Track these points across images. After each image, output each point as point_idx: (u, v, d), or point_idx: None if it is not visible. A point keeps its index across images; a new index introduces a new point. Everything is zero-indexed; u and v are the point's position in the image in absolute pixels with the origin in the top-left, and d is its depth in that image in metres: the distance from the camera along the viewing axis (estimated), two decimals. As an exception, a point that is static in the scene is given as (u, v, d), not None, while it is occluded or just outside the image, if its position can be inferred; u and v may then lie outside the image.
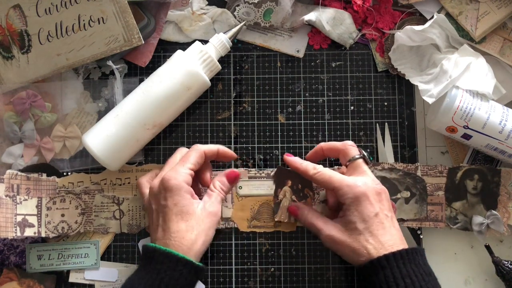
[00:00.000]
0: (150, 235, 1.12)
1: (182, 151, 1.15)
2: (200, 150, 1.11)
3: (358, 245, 1.02)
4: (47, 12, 1.15)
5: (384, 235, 1.02)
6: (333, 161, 1.21)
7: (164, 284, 0.98)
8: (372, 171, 1.16)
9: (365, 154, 1.11)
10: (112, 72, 1.20)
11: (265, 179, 1.20)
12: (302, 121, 1.22)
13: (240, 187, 1.19)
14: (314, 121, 1.22)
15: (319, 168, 1.10)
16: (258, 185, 1.20)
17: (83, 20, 1.15)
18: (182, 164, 1.08)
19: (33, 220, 1.14)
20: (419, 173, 1.18)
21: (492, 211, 1.17)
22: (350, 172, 1.10)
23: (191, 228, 1.04)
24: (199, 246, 1.04)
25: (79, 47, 1.16)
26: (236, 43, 1.24)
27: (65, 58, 1.16)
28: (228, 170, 1.15)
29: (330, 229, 1.06)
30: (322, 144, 1.17)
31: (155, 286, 0.98)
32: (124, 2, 1.13)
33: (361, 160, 1.10)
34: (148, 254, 1.02)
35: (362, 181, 1.05)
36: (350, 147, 1.11)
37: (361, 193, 1.03)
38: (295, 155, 1.20)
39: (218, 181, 1.13)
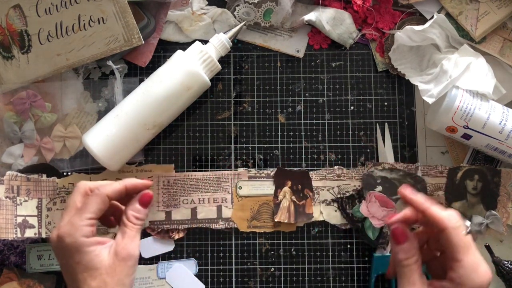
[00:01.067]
0: None
1: (80, 189, 0.98)
2: (101, 194, 0.96)
3: None
4: (47, 12, 1.15)
5: None
6: (333, 161, 1.21)
7: None
8: (372, 171, 1.17)
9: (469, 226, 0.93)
10: (112, 72, 1.20)
11: (265, 179, 1.20)
12: (302, 121, 1.22)
13: (240, 187, 1.20)
14: (314, 121, 1.22)
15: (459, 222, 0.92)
16: (258, 185, 1.20)
17: (83, 20, 1.15)
18: (79, 214, 0.94)
19: (33, 221, 1.14)
20: (419, 173, 1.18)
21: (492, 211, 1.17)
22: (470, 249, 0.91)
23: (104, 284, 0.92)
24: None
25: (79, 47, 1.16)
26: (236, 43, 1.24)
27: (65, 58, 1.16)
28: (139, 194, 1.01)
29: None
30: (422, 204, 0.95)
31: None
32: (124, 2, 1.13)
33: (470, 237, 0.91)
34: None
35: (485, 267, 0.90)
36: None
37: (484, 285, 0.89)
38: (295, 155, 1.21)
39: (131, 210, 0.99)
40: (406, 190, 0.97)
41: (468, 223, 0.92)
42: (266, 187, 1.20)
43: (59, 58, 1.17)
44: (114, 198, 0.98)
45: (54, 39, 1.16)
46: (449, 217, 0.90)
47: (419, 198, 0.95)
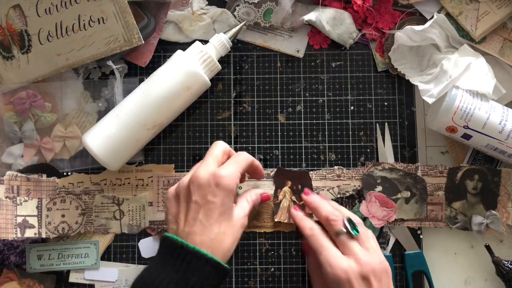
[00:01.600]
0: (170, 224, 1.02)
1: (222, 145, 1.07)
2: (249, 159, 1.06)
3: None
4: (47, 12, 1.15)
5: None
6: (333, 161, 1.21)
7: (191, 284, 0.93)
8: (372, 171, 1.17)
9: (349, 226, 1.02)
10: (112, 72, 1.20)
11: (265, 179, 1.20)
12: (302, 121, 1.22)
13: (240, 188, 1.19)
14: (314, 121, 1.22)
15: (315, 230, 1.05)
16: (258, 185, 1.19)
17: (83, 20, 1.15)
18: (235, 164, 1.03)
19: (33, 221, 1.14)
20: (419, 173, 1.18)
21: (492, 211, 1.17)
22: (341, 248, 1.02)
23: (230, 234, 0.99)
24: (230, 253, 0.99)
25: (79, 47, 1.16)
26: (236, 43, 1.24)
27: (65, 58, 1.16)
28: (262, 191, 1.13)
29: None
30: (309, 200, 1.12)
31: (181, 285, 0.93)
32: (124, 2, 1.13)
33: (345, 237, 1.01)
34: (173, 249, 0.96)
35: (347, 264, 0.98)
36: (332, 223, 1.04)
37: (341, 280, 0.97)
38: (295, 155, 1.21)
39: (253, 194, 1.10)
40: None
41: (338, 224, 1.02)
42: (266, 187, 1.19)
43: (59, 58, 1.17)
44: (252, 167, 1.08)
45: (54, 39, 1.16)
46: (304, 224, 1.08)
47: (297, 215, 1.13)
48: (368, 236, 1.03)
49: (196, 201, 0.99)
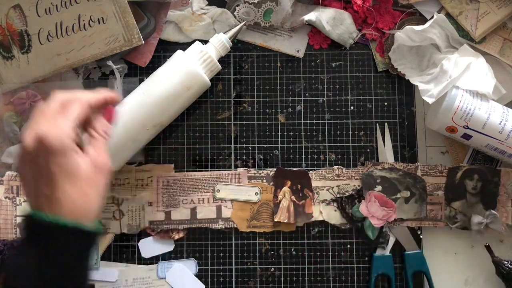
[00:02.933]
0: (28, 200, 0.90)
1: (58, 97, 0.91)
2: (83, 101, 0.92)
3: None
4: (47, 12, 1.15)
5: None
6: (333, 161, 1.21)
7: (57, 261, 0.84)
8: (372, 171, 1.17)
9: None
10: (112, 72, 1.20)
11: (243, 184, 1.19)
12: (302, 121, 1.22)
13: (218, 190, 1.19)
14: (314, 121, 1.22)
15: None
16: (237, 190, 1.20)
17: (83, 20, 1.15)
18: (63, 117, 0.88)
19: (33, 220, 1.14)
20: (419, 173, 1.18)
21: (491, 210, 1.17)
22: None
23: (83, 192, 0.88)
24: (94, 210, 0.89)
25: (79, 47, 1.16)
26: (236, 43, 1.24)
27: (65, 58, 1.17)
28: (104, 111, 0.97)
29: None
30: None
31: (48, 265, 0.84)
32: (124, 2, 1.13)
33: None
34: (34, 228, 0.86)
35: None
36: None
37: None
38: (295, 155, 1.21)
39: (99, 123, 0.95)
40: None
41: None
42: (244, 192, 1.20)
43: (59, 58, 1.17)
44: (94, 107, 0.94)
45: (54, 39, 1.16)
46: None
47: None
48: None
49: (33, 171, 0.88)
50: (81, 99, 0.91)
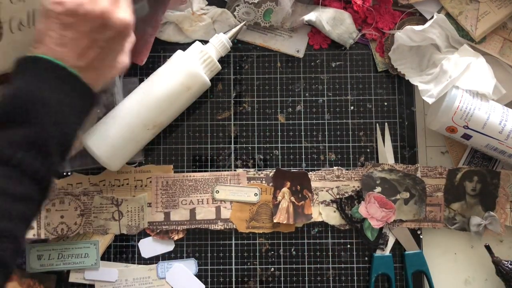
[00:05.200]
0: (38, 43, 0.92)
1: None
2: None
3: None
4: None
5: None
6: (333, 161, 1.21)
7: (64, 101, 0.90)
8: (372, 172, 1.17)
9: None
10: (112, 72, 1.20)
11: (242, 185, 1.20)
12: (302, 121, 1.22)
13: (217, 191, 1.20)
14: (314, 121, 1.22)
15: None
16: (236, 191, 1.20)
17: None
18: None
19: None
20: (419, 174, 1.18)
21: (490, 212, 1.17)
22: None
23: (111, 67, 0.98)
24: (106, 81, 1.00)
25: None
26: (236, 43, 1.24)
27: None
28: None
29: None
30: None
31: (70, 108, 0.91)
32: None
33: None
34: (52, 70, 0.90)
35: None
36: None
37: None
38: (295, 155, 1.22)
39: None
40: None
41: None
42: (243, 193, 1.20)
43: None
44: None
45: (26, 28, 1.09)
46: None
47: None
48: None
49: (95, 40, 0.92)
50: None
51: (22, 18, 1.09)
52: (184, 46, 1.20)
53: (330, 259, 1.20)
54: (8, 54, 1.11)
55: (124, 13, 0.93)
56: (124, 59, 1.00)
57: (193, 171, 1.21)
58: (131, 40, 0.99)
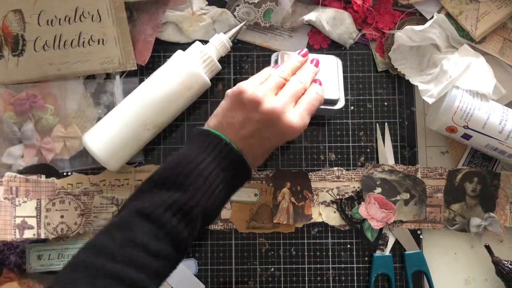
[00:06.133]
0: (225, 119, 0.99)
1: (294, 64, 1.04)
2: (321, 97, 1.02)
3: None
4: (49, 23, 1.16)
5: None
6: (333, 161, 1.21)
7: (226, 177, 0.95)
8: (372, 173, 1.17)
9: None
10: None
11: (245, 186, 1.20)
12: (302, 121, 1.22)
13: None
14: (314, 121, 1.21)
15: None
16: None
17: (84, 38, 1.17)
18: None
19: (32, 222, 1.14)
20: (419, 175, 1.18)
21: (490, 213, 1.17)
22: None
23: (267, 150, 1.01)
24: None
25: (73, 61, 1.18)
26: (236, 43, 1.24)
27: (57, 68, 1.18)
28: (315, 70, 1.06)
29: None
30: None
31: (218, 170, 0.94)
32: (126, 28, 1.17)
33: None
34: (217, 143, 0.96)
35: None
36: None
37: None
38: (295, 155, 1.22)
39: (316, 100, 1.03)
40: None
41: None
42: (244, 194, 1.20)
43: (51, 67, 1.18)
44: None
45: (50, 49, 1.17)
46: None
47: None
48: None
49: (259, 130, 0.96)
50: (319, 94, 1.01)
51: (48, 39, 1.17)
52: (184, 46, 1.19)
53: (330, 259, 1.20)
54: (27, 68, 1.19)
55: (294, 117, 0.96)
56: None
57: (192, 172, 1.20)
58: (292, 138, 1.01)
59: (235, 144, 0.95)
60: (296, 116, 0.96)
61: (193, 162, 0.92)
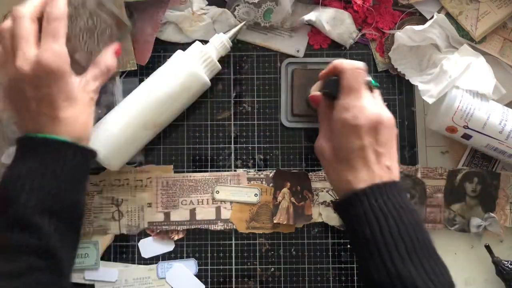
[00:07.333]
0: (20, 124, 0.98)
1: (28, 15, 0.93)
2: (64, 16, 0.94)
3: (339, 175, 0.96)
4: None
5: (362, 171, 0.93)
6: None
7: (54, 172, 0.90)
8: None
9: (370, 78, 1.00)
10: (112, 72, 1.21)
11: (242, 186, 1.19)
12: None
13: (217, 192, 1.20)
14: (315, 121, 1.21)
15: (359, 69, 0.99)
16: (237, 191, 1.20)
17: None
18: (54, 39, 0.92)
19: (32, 222, 1.14)
20: (419, 175, 1.18)
21: (490, 213, 1.17)
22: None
23: (80, 113, 0.96)
24: (89, 129, 0.99)
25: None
26: (236, 43, 1.23)
27: None
28: (115, 48, 1.07)
29: (323, 140, 1.02)
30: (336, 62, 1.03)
31: (47, 176, 0.90)
32: (127, 31, 1.18)
33: (363, 86, 0.98)
34: (28, 145, 0.93)
35: (360, 105, 0.95)
36: (361, 71, 0.99)
37: (349, 122, 0.94)
38: (294, 155, 1.21)
39: (108, 59, 1.04)
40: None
41: (368, 77, 1.00)
42: (244, 194, 1.20)
43: None
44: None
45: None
46: (349, 62, 1.01)
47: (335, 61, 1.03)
48: (377, 91, 1.02)
49: (32, 96, 0.92)
50: (56, 15, 0.93)
51: None
52: (184, 46, 1.19)
53: (330, 259, 1.20)
54: None
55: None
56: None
57: (193, 171, 1.21)
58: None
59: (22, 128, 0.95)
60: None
61: (13, 176, 0.91)
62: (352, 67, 0.98)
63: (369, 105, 0.95)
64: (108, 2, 1.12)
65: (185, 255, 1.20)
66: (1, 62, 0.95)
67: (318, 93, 1.06)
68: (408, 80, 1.19)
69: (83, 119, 0.97)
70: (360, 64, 0.99)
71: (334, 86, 1.00)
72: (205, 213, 1.19)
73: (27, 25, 0.93)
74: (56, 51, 0.91)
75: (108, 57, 1.05)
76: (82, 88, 0.99)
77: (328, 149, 0.99)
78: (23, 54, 0.91)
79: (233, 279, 1.20)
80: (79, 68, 1.03)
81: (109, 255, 1.20)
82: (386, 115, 0.96)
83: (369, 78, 0.99)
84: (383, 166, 0.93)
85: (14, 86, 0.94)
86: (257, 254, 1.20)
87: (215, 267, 1.20)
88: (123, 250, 1.19)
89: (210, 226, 1.19)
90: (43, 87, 0.92)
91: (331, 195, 1.19)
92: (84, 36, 1.11)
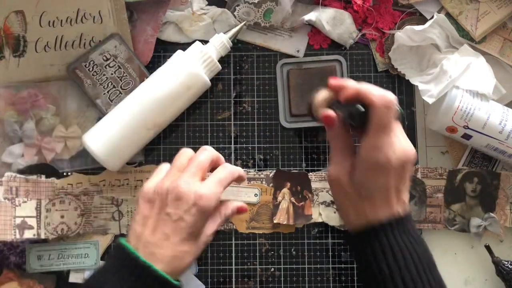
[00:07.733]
0: (136, 225, 0.95)
1: (210, 153, 0.98)
2: (235, 174, 0.99)
3: (356, 206, 0.93)
4: (50, 24, 1.16)
5: (381, 206, 0.91)
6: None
7: None
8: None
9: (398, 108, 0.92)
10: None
11: (242, 186, 1.20)
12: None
13: None
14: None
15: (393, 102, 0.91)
16: (237, 191, 1.20)
17: (85, 39, 1.18)
18: (219, 183, 0.95)
19: (32, 222, 1.14)
20: (419, 175, 1.18)
21: (490, 213, 1.17)
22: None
23: (192, 253, 0.94)
24: (187, 269, 0.96)
25: (74, 62, 1.19)
26: (236, 43, 1.23)
27: (57, 69, 1.18)
28: (241, 204, 1.02)
29: (339, 170, 0.96)
30: (350, 84, 0.94)
31: None
32: (127, 30, 1.19)
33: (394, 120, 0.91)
34: (126, 260, 0.91)
35: (410, 148, 0.92)
36: (393, 102, 0.91)
37: (380, 163, 0.89)
38: (295, 155, 1.21)
39: (230, 210, 1.01)
40: (334, 80, 0.97)
41: (397, 106, 0.92)
42: (244, 194, 1.20)
43: (51, 68, 1.19)
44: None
45: (51, 50, 1.17)
46: (378, 93, 0.90)
47: (350, 83, 0.94)
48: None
49: (169, 213, 0.92)
50: (233, 170, 0.98)
51: (49, 41, 1.18)
52: (184, 46, 1.19)
53: (330, 259, 1.20)
54: (27, 69, 1.20)
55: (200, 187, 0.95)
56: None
57: (192, 172, 1.20)
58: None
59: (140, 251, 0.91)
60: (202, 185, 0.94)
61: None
62: (384, 103, 0.90)
63: (399, 142, 0.91)
64: (137, 59, 1.17)
65: (185, 255, 1.20)
66: (168, 172, 0.97)
67: (332, 113, 0.95)
68: (408, 80, 1.19)
69: (190, 258, 0.95)
70: (391, 97, 0.91)
71: (360, 118, 0.92)
72: (205, 213, 1.19)
73: (208, 158, 0.98)
74: (215, 192, 0.94)
75: (231, 211, 1.02)
76: (206, 232, 0.97)
77: (347, 182, 0.95)
78: (189, 177, 0.94)
79: (233, 279, 1.20)
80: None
81: (109, 255, 1.20)
82: (412, 151, 0.92)
83: (398, 108, 0.92)
84: (401, 201, 0.92)
85: (159, 196, 0.94)
86: (257, 254, 1.20)
87: (215, 267, 1.20)
88: (123, 250, 1.19)
89: (209, 226, 1.19)
90: (186, 213, 0.92)
91: (331, 195, 1.18)
92: (109, 85, 1.16)
